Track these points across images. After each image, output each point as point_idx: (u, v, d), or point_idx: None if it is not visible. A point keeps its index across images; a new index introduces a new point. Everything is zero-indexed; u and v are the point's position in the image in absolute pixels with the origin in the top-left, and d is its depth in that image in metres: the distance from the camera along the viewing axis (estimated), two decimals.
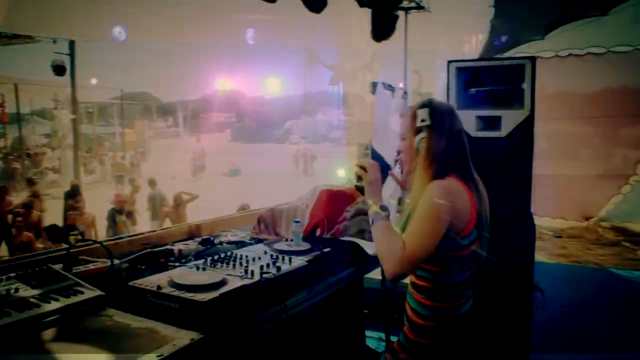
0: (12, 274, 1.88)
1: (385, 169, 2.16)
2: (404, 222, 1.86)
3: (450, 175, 1.83)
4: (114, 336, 1.54)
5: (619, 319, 4.98)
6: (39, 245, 7.57)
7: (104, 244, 2.37)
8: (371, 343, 3.84)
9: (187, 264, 2.16)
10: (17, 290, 1.73)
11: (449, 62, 3.39)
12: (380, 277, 3.66)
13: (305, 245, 2.44)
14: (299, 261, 2.18)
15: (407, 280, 1.96)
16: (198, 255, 2.39)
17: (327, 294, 2.22)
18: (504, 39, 8.16)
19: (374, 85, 6.12)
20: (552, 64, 8.30)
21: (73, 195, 9.60)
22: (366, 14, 5.33)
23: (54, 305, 1.65)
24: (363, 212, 2.74)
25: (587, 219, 9.41)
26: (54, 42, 10.17)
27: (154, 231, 3.08)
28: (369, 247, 2.50)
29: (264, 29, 8.62)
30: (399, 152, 2.08)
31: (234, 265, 2.07)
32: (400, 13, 5.44)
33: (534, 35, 8.33)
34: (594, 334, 4.61)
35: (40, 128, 23.89)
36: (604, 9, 7.45)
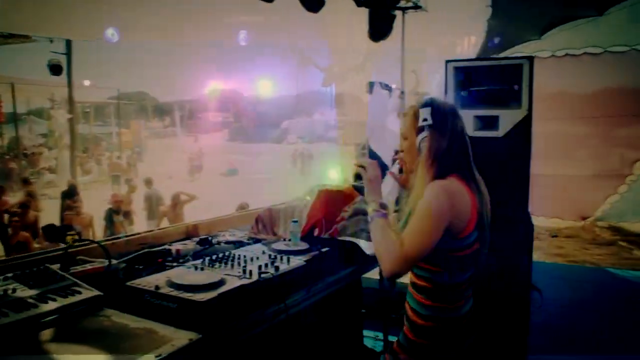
0: (10, 274, 1.88)
1: (382, 169, 2.16)
2: (404, 222, 1.86)
3: (452, 175, 1.83)
4: (112, 336, 1.54)
5: (617, 319, 5.00)
6: (36, 245, 7.56)
7: (102, 244, 2.37)
8: (369, 342, 3.84)
9: (185, 264, 2.15)
10: (14, 290, 1.72)
11: (447, 61, 3.39)
12: (378, 277, 3.67)
13: (304, 245, 2.43)
14: (297, 261, 2.18)
15: (404, 280, 1.96)
16: (196, 255, 2.38)
17: (326, 293, 2.22)
18: (501, 38, 8.18)
19: (371, 85, 6.11)
20: (548, 64, 8.31)
21: (70, 195, 9.58)
22: (360, 13, 5.32)
23: (51, 306, 1.64)
24: (361, 212, 2.74)
25: (584, 218, 9.43)
26: (51, 41, 10.14)
27: (151, 231, 3.07)
28: (367, 247, 2.50)
29: (259, 30, 8.61)
30: (396, 152, 2.08)
31: (232, 265, 2.07)
32: (398, 13, 5.44)
33: (531, 35, 8.35)
34: (592, 333, 4.62)
35: (37, 128, 23.82)
36: (600, 9, 7.47)
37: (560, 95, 8.33)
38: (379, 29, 5.28)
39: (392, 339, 3.73)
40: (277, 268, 2.04)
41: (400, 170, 2.18)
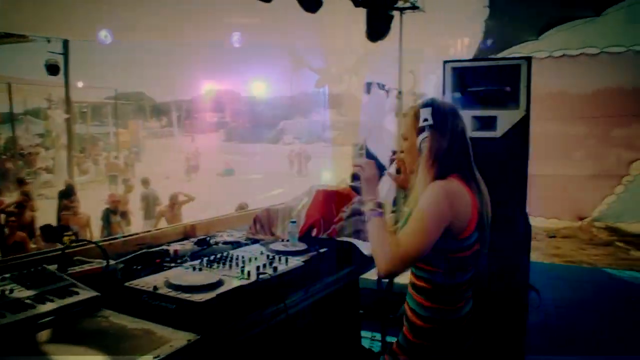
0: (7, 275, 1.86)
1: (380, 169, 2.16)
2: (404, 222, 1.85)
3: (452, 176, 1.82)
4: (111, 337, 1.53)
5: (615, 319, 5.01)
6: (32, 245, 7.53)
7: (99, 244, 2.36)
8: (366, 343, 3.84)
9: (183, 265, 2.14)
10: (11, 291, 1.71)
11: (445, 62, 3.39)
12: (375, 278, 3.67)
13: (302, 246, 2.43)
14: (295, 261, 2.18)
15: (402, 280, 1.96)
16: (194, 256, 2.38)
17: (324, 294, 2.22)
18: (498, 39, 8.19)
19: (368, 85, 6.11)
20: (546, 65, 8.33)
21: (68, 195, 9.55)
22: (356, 14, 5.31)
23: (49, 306, 1.63)
24: (359, 212, 2.74)
25: (581, 219, 9.45)
26: (48, 41, 10.11)
27: (149, 231, 3.06)
28: (365, 248, 2.50)
29: (256, 31, 8.61)
30: (394, 152, 2.07)
31: (231, 266, 2.06)
32: (395, 13, 5.44)
33: (528, 35, 8.36)
34: (590, 334, 4.63)
35: (34, 128, 23.79)
36: (597, 9, 7.49)
37: (557, 96, 8.35)
38: (377, 29, 5.27)
39: (390, 339, 3.73)
40: (275, 269, 2.04)
41: (398, 171, 2.18)
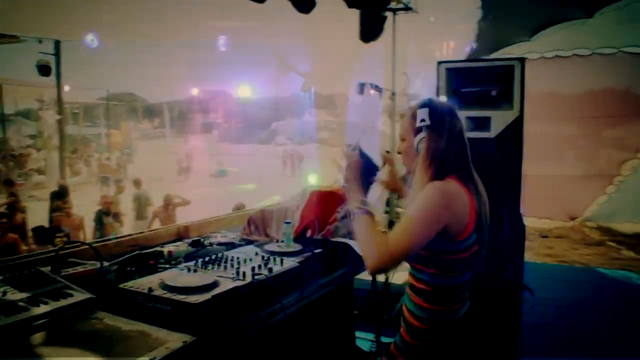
0: (0, 277, 1.85)
1: (372, 170, 2.16)
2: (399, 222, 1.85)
3: (450, 176, 1.81)
4: (105, 339, 1.52)
5: (609, 318, 5.05)
6: (23, 247, 7.48)
7: (92, 245, 2.35)
8: (361, 344, 3.84)
9: (178, 266, 2.13)
10: (4, 293, 1.69)
11: (439, 62, 3.41)
12: (370, 278, 3.67)
13: (297, 247, 2.43)
14: (290, 262, 2.17)
15: (397, 281, 1.95)
16: (188, 257, 2.37)
17: (319, 295, 2.22)
18: (490, 40, 8.22)
19: (361, 85, 6.11)
20: (538, 65, 8.36)
21: (61, 196, 9.50)
22: (343, 15, 5.31)
23: (43, 309, 1.62)
24: None
25: (573, 219, 9.51)
26: (40, 42, 10.04)
27: (142, 232, 3.05)
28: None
29: (246, 33, 8.62)
30: (388, 152, 2.07)
31: (225, 267, 2.06)
32: (388, 14, 5.45)
33: (521, 36, 8.41)
34: (583, 333, 4.66)
35: (25, 129, 23.65)
36: (589, 11, 7.53)
37: (549, 96, 8.39)
38: (370, 30, 5.28)
39: (384, 339, 3.74)
40: (270, 270, 2.03)
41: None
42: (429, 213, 1.72)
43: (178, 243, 2.75)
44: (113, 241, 2.72)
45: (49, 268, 2.02)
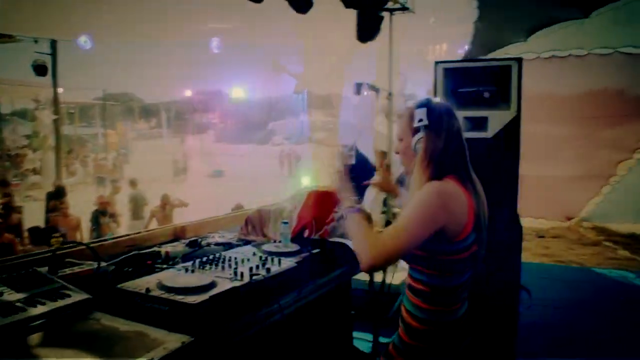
0: None
1: (370, 170, 2.16)
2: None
3: (448, 176, 1.80)
4: (103, 340, 1.52)
5: (607, 318, 5.06)
6: (19, 247, 7.45)
7: (89, 245, 2.34)
8: (358, 344, 3.84)
9: (176, 266, 2.13)
10: (1, 294, 1.69)
11: (436, 62, 3.41)
12: (367, 278, 3.67)
13: (294, 247, 2.43)
14: (288, 262, 2.17)
15: (391, 280, 1.95)
16: (186, 257, 2.37)
17: (317, 295, 2.22)
18: (487, 40, 8.23)
19: (358, 86, 6.11)
20: (534, 66, 8.38)
21: (58, 196, 9.46)
22: (336, 15, 5.30)
23: (40, 309, 1.61)
24: None
25: (569, 219, 9.53)
26: (35, 41, 9.99)
27: (139, 233, 3.05)
28: None
29: (243, 33, 8.62)
30: (384, 152, 2.07)
31: (223, 267, 2.06)
32: (385, 14, 5.45)
33: (517, 37, 8.42)
34: (581, 334, 4.67)
35: (21, 129, 23.56)
36: (585, 11, 7.55)
37: (545, 97, 8.40)
38: (367, 30, 5.28)
39: (382, 340, 3.74)
40: (268, 270, 2.03)
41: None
42: (425, 212, 1.72)
43: (175, 243, 2.75)
44: (110, 241, 2.71)
45: (46, 268, 2.02)
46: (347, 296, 3.38)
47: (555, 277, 6.74)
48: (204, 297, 1.70)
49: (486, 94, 3.28)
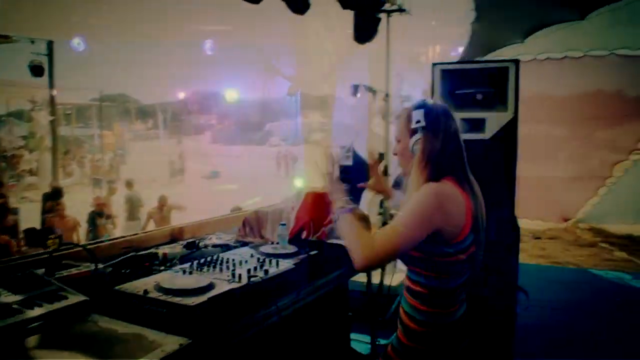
0: None
1: (367, 172, 2.16)
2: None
3: (446, 178, 1.80)
4: (101, 342, 1.51)
5: (602, 319, 5.07)
6: (15, 249, 7.42)
7: (87, 247, 2.33)
8: (356, 345, 3.84)
9: (173, 268, 2.13)
10: None
11: (434, 64, 3.41)
12: (365, 280, 3.67)
13: (292, 248, 2.43)
14: (286, 264, 2.17)
15: (388, 281, 1.95)
16: (183, 259, 2.36)
17: (315, 296, 2.21)
18: (484, 42, 8.24)
19: (355, 87, 6.11)
20: (530, 67, 8.40)
21: (55, 197, 9.43)
22: (329, 16, 5.31)
23: (37, 312, 1.60)
24: None
25: (565, 220, 9.56)
26: (32, 42, 9.97)
27: (136, 234, 3.04)
28: None
29: (241, 33, 8.62)
30: (380, 154, 2.07)
31: (221, 269, 2.05)
32: (383, 16, 5.45)
33: (514, 38, 8.43)
34: (579, 335, 4.68)
35: (17, 130, 23.48)
36: (581, 13, 7.57)
37: (541, 98, 8.43)
38: (365, 32, 5.28)
39: (380, 341, 3.74)
40: (266, 271, 2.03)
41: (385, 172, 2.17)
42: (421, 213, 1.72)
43: (173, 245, 2.74)
44: (107, 243, 2.70)
45: (42, 270, 2.01)
46: (344, 298, 3.39)
47: (552, 278, 6.75)
48: (202, 299, 1.70)
49: (479, 96, 3.29)
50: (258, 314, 1.86)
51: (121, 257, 2.31)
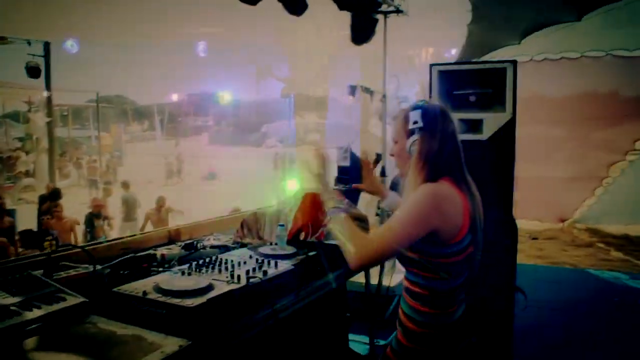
0: None
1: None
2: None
3: (443, 179, 1.80)
4: (100, 344, 1.50)
5: (601, 319, 5.09)
6: (11, 250, 7.40)
7: (85, 248, 2.32)
8: (354, 346, 3.83)
9: (172, 269, 2.12)
10: None
11: (432, 65, 3.42)
12: (363, 281, 3.66)
13: (291, 249, 2.42)
14: (285, 265, 2.16)
15: (387, 282, 1.95)
16: (182, 260, 2.35)
17: (314, 297, 2.21)
18: (481, 43, 8.26)
19: (353, 88, 6.12)
20: (527, 68, 8.42)
21: (53, 199, 9.42)
22: (322, 17, 5.30)
23: (36, 313, 1.59)
24: None
25: (562, 220, 9.58)
26: (29, 43, 9.95)
27: (134, 235, 3.03)
28: None
29: (238, 35, 8.64)
30: (378, 155, 2.07)
31: (220, 270, 2.05)
32: (380, 17, 5.46)
33: (511, 39, 8.45)
34: (578, 335, 4.68)
35: (13, 131, 23.42)
36: (578, 14, 7.59)
37: (538, 99, 8.45)
38: (362, 33, 5.29)
39: (378, 342, 3.73)
40: (265, 272, 2.02)
41: (383, 173, 2.17)
42: (417, 213, 1.72)
43: (171, 246, 2.74)
44: (104, 244, 2.69)
45: (41, 272, 2.00)
46: (343, 298, 3.38)
47: (549, 278, 6.77)
48: (201, 300, 1.69)
49: (472, 98, 3.29)
50: (257, 315, 1.85)
51: (119, 259, 2.31)
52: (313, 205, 2.87)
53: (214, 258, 2.21)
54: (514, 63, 3.25)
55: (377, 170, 5.23)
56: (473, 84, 3.35)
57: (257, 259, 2.23)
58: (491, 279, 3.10)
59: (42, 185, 12.91)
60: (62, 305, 1.67)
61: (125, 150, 27.68)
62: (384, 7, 5.44)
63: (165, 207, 9.42)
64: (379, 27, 5.43)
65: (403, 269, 1.94)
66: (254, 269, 2.05)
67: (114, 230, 9.56)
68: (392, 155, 2.00)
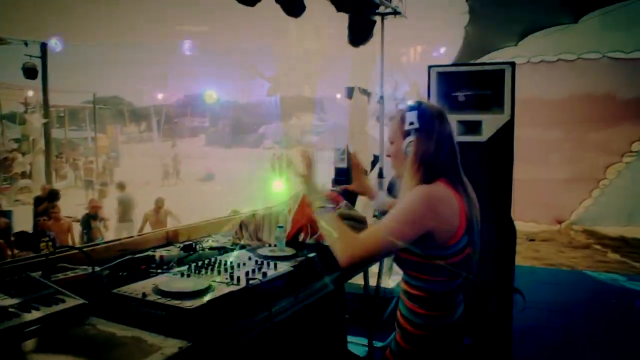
0: None
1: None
2: None
3: (439, 180, 1.80)
4: (99, 346, 1.50)
5: (598, 321, 5.09)
6: (8, 252, 7.37)
7: (83, 250, 2.32)
8: (352, 348, 3.83)
9: (171, 271, 2.11)
10: None
11: (430, 67, 3.42)
12: (362, 283, 3.67)
13: (290, 251, 2.42)
14: (284, 267, 2.16)
15: (387, 285, 1.95)
16: (181, 262, 2.35)
17: (314, 299, 2.21)
18: (477, 45, 8.27)
19: (350, 90, 6.12)
20: (525, 70, 8.43)
21: (51, 200, 9.39)
22: (317, 17, 5.29)
23: (34, 315, 1.58)
24: (346, 217, 2.73)
25: (559, 222, 9.59)
26: (26, 44, 9.93)
27: (131, 237, 3.02)
28: None
29: (235, 35, 8.63)
30: (375, 156, 2.07)
31: (219, 272, 2.04)
32: (377, 19, 5.46)
33: (507, 41, 8.47)
34: (576, 336, 4.69)
35: (10, 132, 23.34)
36: (575, 16, 7.61)
37: (535, 101, 8.46)
38: (359, 34, 5.28)
39: (376, 344, 3.73)
40: (264, 274, 2.02)
41: (380, 175, 2.17)
42: (412, 212, 1.72)
43: (170, 247, 2.73)
44: (102, 245, 2.69)
45: (39, 273, 1.99)
46: (341, 300, 3.38)
47: (546, 280, 6.78)
48: (201, 301, 1.69)
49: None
50: (257, 317, 1.85)
51: (118, 260, 2.30)
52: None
53: (213, 259, 2.20)
54: (512, 65, 3.26)
55: (375, 171, 5.24)
56: (471, 85, 3.35)
57: (256, 261, 2.22)
58: (490, 281, 3.10)
59: (39, 186, 12.88)
60: (61, 306, 1.66)
61: (121, 152, 27.66)
62: (381, 9, 5.44)
63: (164, 209, 9.40)
64: (377, 29, 5.43)
65: (401, 271, 1.94)
66: (253, 271, 2.04)
67: (110, 231, 9.54)
68: (388, 156, 2.00)
